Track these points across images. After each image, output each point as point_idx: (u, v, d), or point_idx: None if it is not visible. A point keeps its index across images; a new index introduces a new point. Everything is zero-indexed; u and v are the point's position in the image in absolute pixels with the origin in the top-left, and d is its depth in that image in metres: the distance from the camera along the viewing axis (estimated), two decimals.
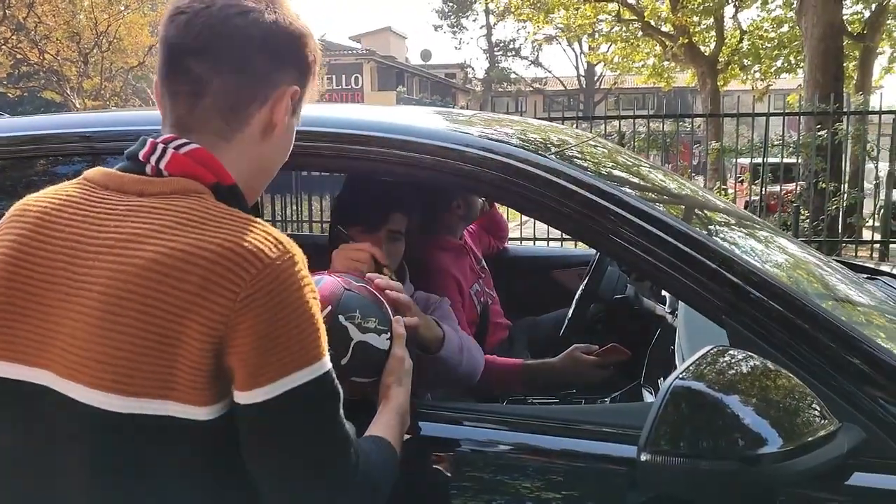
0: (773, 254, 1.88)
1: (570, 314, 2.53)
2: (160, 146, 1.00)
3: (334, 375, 0.96)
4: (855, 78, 14.00)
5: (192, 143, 1.01)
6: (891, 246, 7.89)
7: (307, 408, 0.93)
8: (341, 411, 0.98)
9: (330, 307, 1.31)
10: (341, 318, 1.31)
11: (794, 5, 10.90)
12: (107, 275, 0.91)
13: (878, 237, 8.22)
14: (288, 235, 0.96)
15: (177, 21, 1.00)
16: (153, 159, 1.00)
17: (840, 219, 8.17)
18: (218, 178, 1.00)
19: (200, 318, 0.88)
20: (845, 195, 8.14)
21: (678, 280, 1.40)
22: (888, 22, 13.65)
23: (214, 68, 0.99)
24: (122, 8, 16.00)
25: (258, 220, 0.96)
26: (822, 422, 1.20)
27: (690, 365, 1.18)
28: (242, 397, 0.91)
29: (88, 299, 0.91)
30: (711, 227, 1.90)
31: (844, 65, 10.16)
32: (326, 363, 0.94)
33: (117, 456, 0.93)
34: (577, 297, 2.55)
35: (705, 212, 2.01)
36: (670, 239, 1.41)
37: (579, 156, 1.85)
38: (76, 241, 0.95)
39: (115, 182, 1.01)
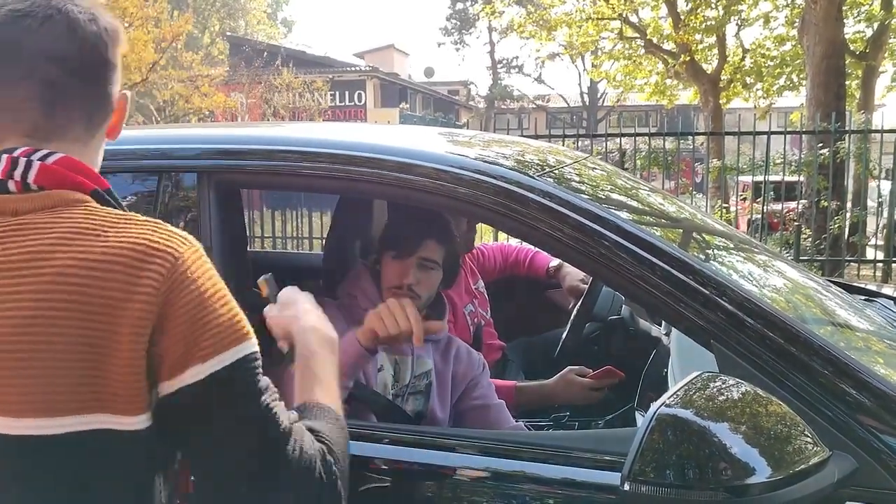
0: (768, 277, 1.87)
1: (564, 335, 2.52)
2: (22, 160, 0.96)
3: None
4: (857, 96, 14.00)
5: (54, 152, 0.98)
6: (894, 265, 7.85)
7: (247, 382, 0.93)
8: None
9: None
10: None
11: (797, 24, 10.94)
12: (9, 300, 0.88)
13: (881, 256, 8.20)
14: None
15: (26, 25, 0.97)
16: (17, 174, 0.95)
17: (843, 238, 8.14)
18: (96, 184, 1.00)
19: (131, 319, 0.87)
20: (848, 214, 8.12)
21: (666, 303, 1.38)
22: (890, 41, 13.66)
23: (71, 75, 0.99)
24: (126, 25, 16.07)
25: (154, 219, 0.97)
26: (813, 450, 1.18)
27: (677, 391, 1.17)
28: (177, 382, 0.90)
29: None
30: (707, 251, 1.89)
31: (847, 83, 10.16)
32: (255, 342, 0.96)
33: (55, 482, 0.90)
34: (572, 317, 2.54)
35: (702, 235, 2.00)
36: (661, 263, 1.40)
37: (575, 178, 1.84)
38: None
39: None
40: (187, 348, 0.90)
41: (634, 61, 17.08)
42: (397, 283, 1.91)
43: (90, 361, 0.87)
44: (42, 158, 0.97)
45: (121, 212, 0.98)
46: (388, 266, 1.94)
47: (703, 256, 1.74)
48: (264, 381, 0.96)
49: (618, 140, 8.36)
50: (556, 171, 1.77)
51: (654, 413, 1.13)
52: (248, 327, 0.96)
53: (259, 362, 0.96)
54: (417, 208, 1.89)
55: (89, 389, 0.87)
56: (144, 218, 0.96)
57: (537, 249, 2.95)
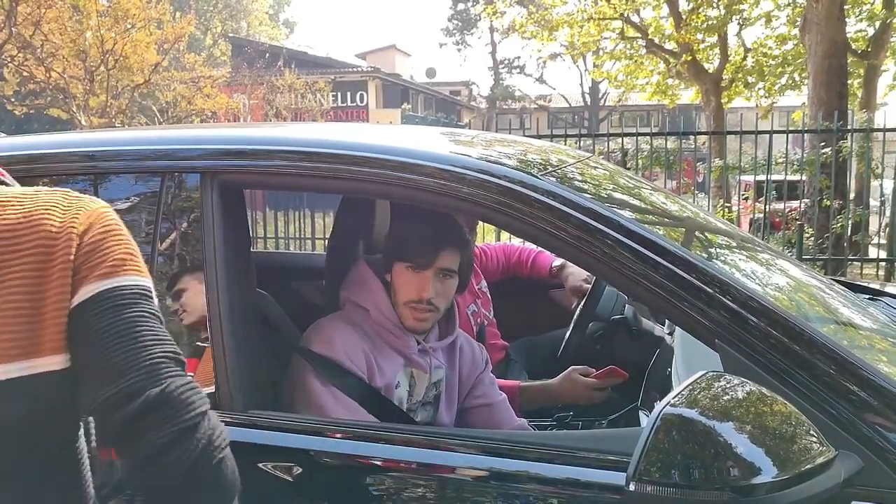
0: (771, 276, 1.86)
1: (568, 335, 2.52)
2: None
3: None
4: (859, 95, 13.98)
5: None
6: None
7: (137, 307, 1.01)
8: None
9: None
10: None
11: (798, 23, 10.92)
12: None
13: (883, 255, 8.18)
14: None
15: None
16: None
17: (846, 237, 8.13)
18: None
19: (59, 260, 0.99)
20: (850, 212, 8.11)
21: (670, 302, 1.38)
22: (892, 40, 13.64)
23: None
24: (129, 26, 16.05)
25: (60, 188, 1.09)
26: (819, 449, 1.18)
27: (682, 391, 1.16)
28: (75, 300, 0.98)
29: None
30: (710, 249, 1.89)
31: (849, 82, 10.15)
32: (151, 283, 1.06)
33: (3, 427, 0.98)
34: (575, 317, 2.53)
35: (704, 234, 2.00)
36: (664, 262, 1.40)
37: (577, 178, 1.84)
38: None
39: None
40: (88, 271, 1.00)
41: (636, 61, 17.07)
42: (415, 297, 1.81)
43: (33, 308, 0.97)
44: None
45: (27, 188, 1.08)
46: (404, 278, 1.83)
47: (706, 255, 1.74)
48: (158, 316, 1.04)
49: (620, 140, 8.33)
50: (559, 171, 1.76)
51: (660, 413, 1.13)
52: (147, 271, 1.06)
53: (153, 302, 1.04)
54: (431, 214, 1.84)
55: (32, 335, 0.97)
56: (51, 188, 1.08)
57: (540, 249, 2.94)
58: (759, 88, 16.85)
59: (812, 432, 1.19)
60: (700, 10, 14.33)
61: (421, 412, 1.86)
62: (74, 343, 0.98)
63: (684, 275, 1.39)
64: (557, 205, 1.48)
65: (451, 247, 1.83)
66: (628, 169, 7.67)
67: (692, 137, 8.61)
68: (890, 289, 2.64)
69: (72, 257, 0.99)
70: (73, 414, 1.04)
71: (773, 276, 1.87)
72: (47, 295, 0.97)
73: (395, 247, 1.88)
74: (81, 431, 1.07)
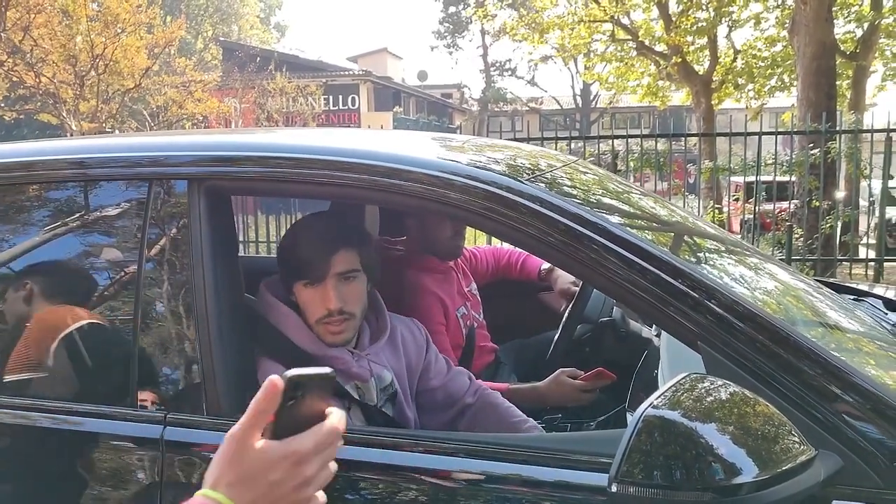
0: (757, 280, 1.88)
1: (556, 337, 2.53)
2: None
3: None
4: (848, 97, 14.06)
5: None
6: (886, 264, 7.89)
7: None
8: None
9: None
10: None
11: (787, 25, 10.98)
12: None
13: (872, 255, 8.23)
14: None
15: None
16: None
17: (835, 237, 8.18)
18: None
19: None
20: (840, 213, 8.15)
21: (653, 305, 1.39)
22: (880, 41, 13.73)
23: None
24: (119, 31, 16.03)
25: None
26: (799, 449, 1.19)
27: (664, 392, 1.18)
28: None
29: None
30: (697, 254, 1.90)
31: (837, 83, 10.21)
32: None
33: None
34: (563, 319, 2.55)
35: (692, 238, 2.01)
36: (649, 266, 1.41)
37: (565, 182, 1.85)
38: None
39: None
40: None
41: (626, 63, 17.13)
42: (324, 312, 1.74)
43: None
44: None
45: None
46: (305, 297, 1.76)
47: (691, 259, 1.75)
48: None
49: (611, 142, 8.37)
50: (547, 175, 1.78)
51: (641, 414, 1.14)
52: None
53: None
54: (313, 222, 1.81)
55: None
56: None
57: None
58: (749, 90, 16.93)
59: (793, 433, 1.20)
60: (689, 12, 14.38)
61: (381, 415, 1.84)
62: None
63: (669, 279, 1.40)
64: (544, 210, 1.49)
65: (342, 248, 1.76)
66: (619, 171, 7.70)
67: (683, 139, 8.64)
68: (877, 290, 2.67)
69: None
70: None
71: (758, 280, 1.88)
72: None
73: (286, 268, 1.81)
74: None
